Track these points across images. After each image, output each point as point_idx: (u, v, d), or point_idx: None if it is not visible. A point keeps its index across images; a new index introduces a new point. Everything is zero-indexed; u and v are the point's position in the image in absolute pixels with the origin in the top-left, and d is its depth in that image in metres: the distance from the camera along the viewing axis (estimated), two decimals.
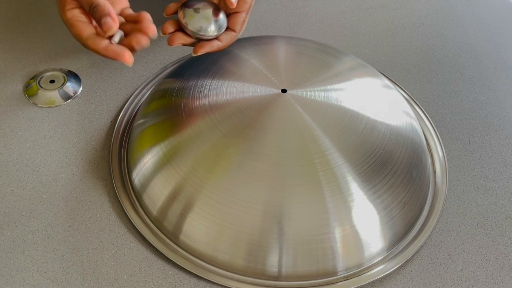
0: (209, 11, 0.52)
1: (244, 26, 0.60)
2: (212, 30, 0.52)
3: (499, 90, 0.74)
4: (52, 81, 0.69)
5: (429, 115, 0.69)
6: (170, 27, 0.57)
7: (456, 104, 0.72)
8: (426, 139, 0.65)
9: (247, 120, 0.54)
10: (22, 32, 0.77)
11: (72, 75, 0.70)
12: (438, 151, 0.65)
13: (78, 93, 0.69)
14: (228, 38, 0.59)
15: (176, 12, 0.57)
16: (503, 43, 0.82)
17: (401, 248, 0.55)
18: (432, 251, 0.56)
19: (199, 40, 0.56)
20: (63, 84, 0.68)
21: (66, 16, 0.56)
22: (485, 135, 0.68)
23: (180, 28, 0.56)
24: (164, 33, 0.57)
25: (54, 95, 0.68)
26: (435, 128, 0.67)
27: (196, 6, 0.53)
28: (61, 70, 0.70)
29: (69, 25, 0.56)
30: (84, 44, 0.55)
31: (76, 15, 0.56)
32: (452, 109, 0.71)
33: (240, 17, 0.58)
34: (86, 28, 0.55)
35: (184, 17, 0.52)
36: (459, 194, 0.61)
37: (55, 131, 0.64)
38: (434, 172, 0.63)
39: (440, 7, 0.88)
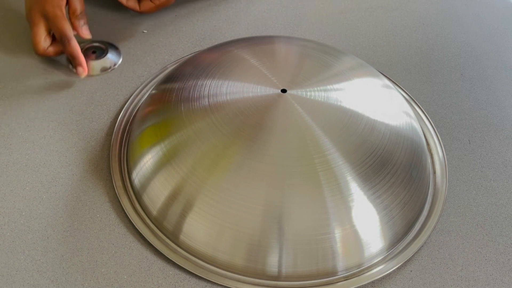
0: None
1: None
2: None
3: (499, 90, 0.74)
4: (94, 52, 0.73)
5: (429, 115, 0.69)
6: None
7: (456, 104, 0.72)
8: (426, 139, 0.65)
9: (247, 120, 0.54)
10: None
11: (113, 47, 0.74)
12: (438, 151, 0.65)
13: (117, 65, 0.72)
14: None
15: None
16: (503, 43, 0.82)
17: (401, 248, 0.55)
18: (432, 251, 0.56)
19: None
20: (104, 54, 0.73)
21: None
22: (485, 135, 0.68)
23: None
24: None
25: (94, 64, 0.71)
26: (435, 128, 0.67)
27: None
28: (102, 41, 0.75)
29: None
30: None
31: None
32: (452, 109, 0.71)
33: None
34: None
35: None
36: (459, 194, 0.61)
37: (55, 131, 0.64)
38: (434, 172, 0.62)
39: (440, 7, 0.88)
